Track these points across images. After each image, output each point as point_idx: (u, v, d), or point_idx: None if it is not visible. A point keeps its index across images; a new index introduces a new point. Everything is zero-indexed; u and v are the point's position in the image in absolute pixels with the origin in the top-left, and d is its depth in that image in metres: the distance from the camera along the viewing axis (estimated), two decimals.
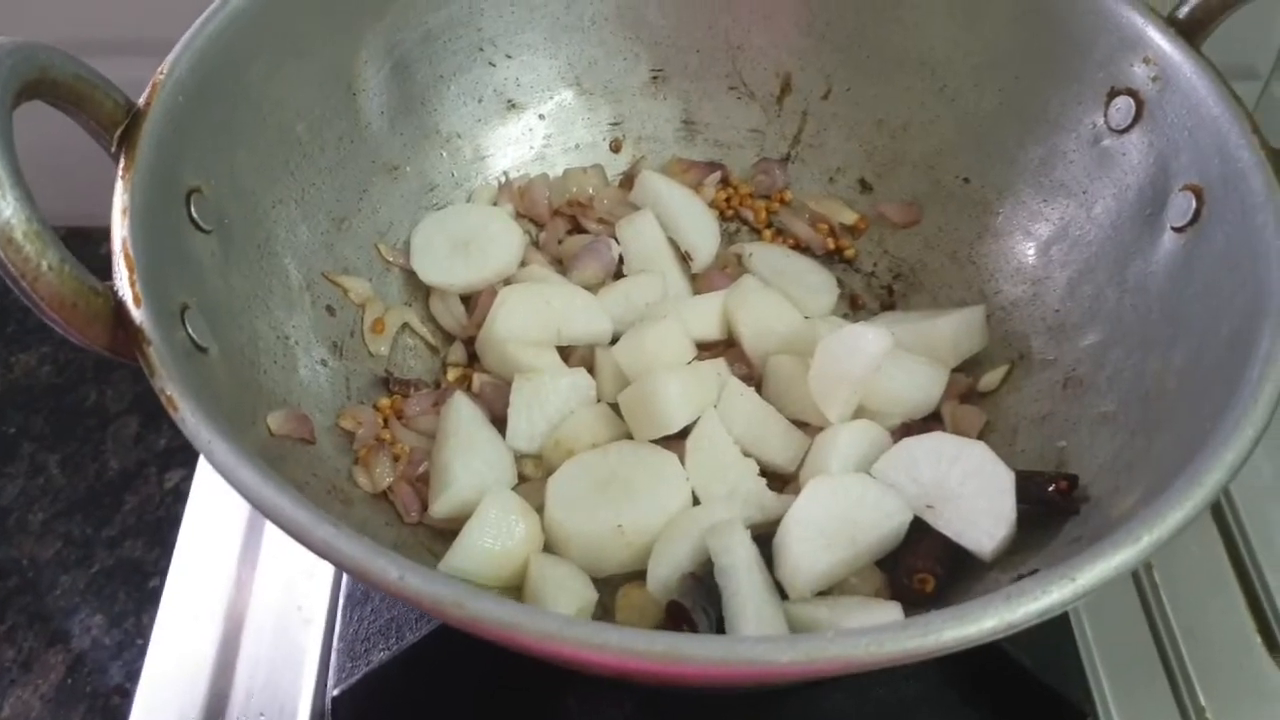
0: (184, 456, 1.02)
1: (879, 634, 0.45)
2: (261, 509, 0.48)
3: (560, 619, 0.45)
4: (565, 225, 0.85)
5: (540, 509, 0.68)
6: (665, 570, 0.64)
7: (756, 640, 0.45)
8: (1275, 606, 0.75)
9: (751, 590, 0.62)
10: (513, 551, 0.65)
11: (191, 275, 0.61)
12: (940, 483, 0.65)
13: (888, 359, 0.69)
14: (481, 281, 0.79)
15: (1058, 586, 0.46)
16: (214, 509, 0.81)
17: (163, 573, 0.82)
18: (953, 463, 0.65)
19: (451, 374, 0.78)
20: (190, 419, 0.50)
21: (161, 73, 0.61)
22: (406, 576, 0.45)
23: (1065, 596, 0.46)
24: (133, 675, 0.92)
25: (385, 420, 0.72)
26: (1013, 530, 0.63)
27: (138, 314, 0.52)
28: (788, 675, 0.45)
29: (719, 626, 0.61)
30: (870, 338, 0.68)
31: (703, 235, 0.84)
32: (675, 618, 0.61)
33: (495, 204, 0.84)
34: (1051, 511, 0.63)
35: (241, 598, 0.75)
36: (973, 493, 0.64)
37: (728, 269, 0.84)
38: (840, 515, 0.64)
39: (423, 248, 0.79)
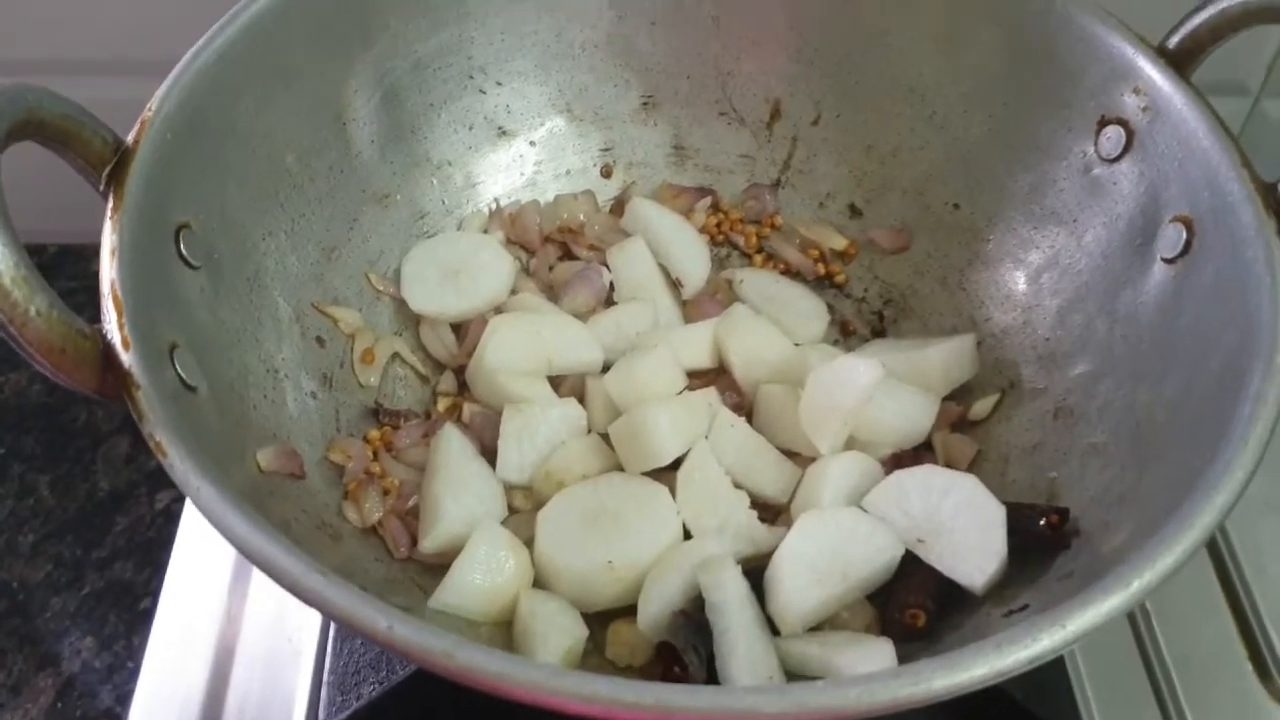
0: None
1: (869, 683, 0.45)
2: (250, 557, 0.48)
3: (548, 670, 0.45)
4: (556, 252, 0.85)
5: (530, 542, 0.68)
6: (656, 608, 0.64)
7: (746, 691, 0.45)
8: (1268, 634, 0.75)
9: (742, 627, 0.62)
10: (502, 587, 0.65)
11: (180, 313, 0.61)
12: (931, 516, 0.65)
13: (878, 389, 0.69)
14: (472, 310, 0.78)
15: (1048, 633, 0.47)
16: (204, 538, 0.81)
17: (154, 594, 0.81)
18: (943, 495, 0.65)
19: (442, 404, 0.78)
20: (179, 465, 0.49)
21: (150, 110, 0.61)
22: (395, 627, 0.45)
23: (1056, 643, 0.46)
24: (123, 699, 0.92)
25: (375, 453, 0.72)
26: (1004, 565, 0.62)
27: (126, 357, 0.52)
28: None
29: (710, 665, 0.61)
30: (861, 369, 0.68)
31: (693, 262, 0.84)
32: (666, 659, 0.61)
33: (486, 231, 0.84)
34: (1042, 545, 0.63)
35: (232, 629, 0.75)
36: (964, 526, 0.64)
37: (718, 295, 0.84)
38: (831, 550, 0.64)
39: (413, 276, 0.79)
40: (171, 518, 0.96)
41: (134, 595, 0.97)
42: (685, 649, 0.61)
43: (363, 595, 0.46)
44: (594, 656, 0.66)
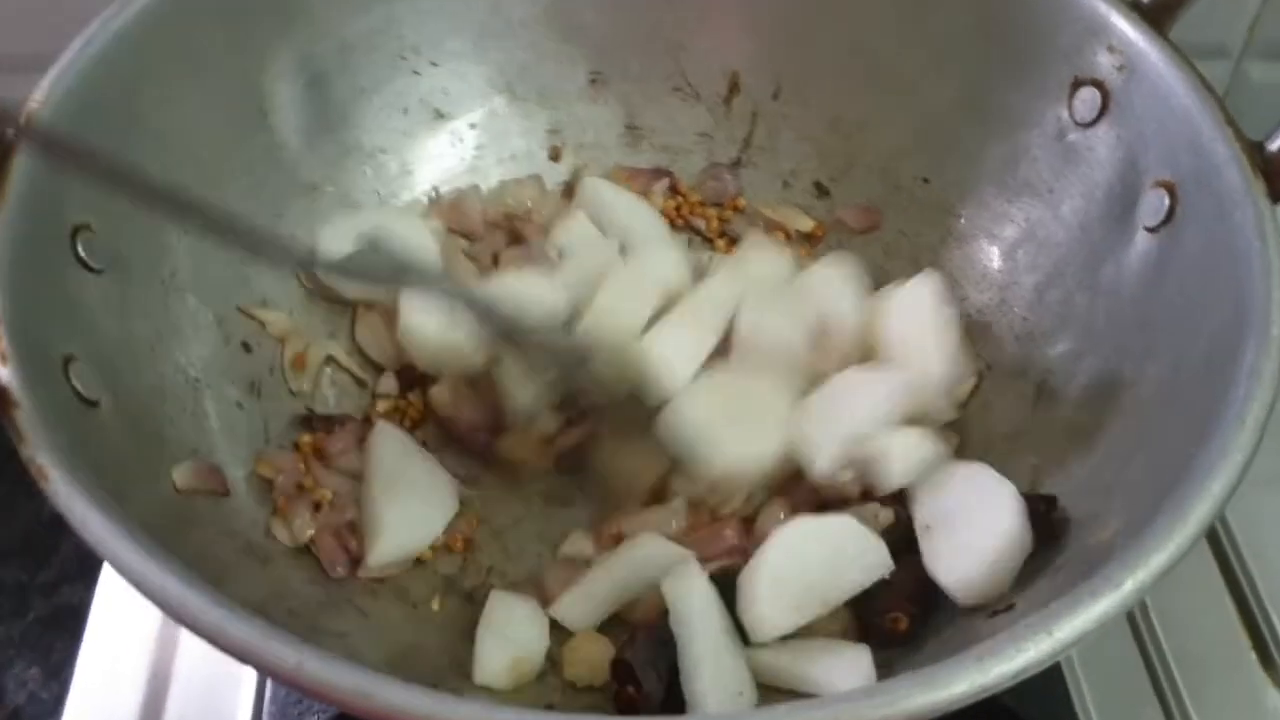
0: None
1: (836, 706, 0.41)
2: (140, 589, 0.43)
3: (478, 706, 0.40)
4: (503, 239, 0.80)
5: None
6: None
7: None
8: (1271, 622, 0.71)
9: (709, 639, 0.58)
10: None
11: (80, 322, 0.56)
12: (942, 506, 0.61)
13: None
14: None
15: (1033, 643, 0.43)
16: None
17: None
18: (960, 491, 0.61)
19: (382, 406, 0.72)
20: (63, 490, 0.45)
21: (36, 99, 0.56)
22: (305, 664, 0.40)
23: (1043, 653, 0.43)
24: None
25: (305, 462, 0.67)
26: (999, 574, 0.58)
27: (3, 373, 0.47)
28: None
29: (670, 684, 0.56)
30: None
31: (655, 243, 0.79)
32: (620, 677, 0.57)
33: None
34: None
35: (165, 657, 0.70)
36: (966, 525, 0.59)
37: None
38: (817, 566, 0.59)
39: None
40: None
41: (82, 621, 0.92)
42: (642, 668, 0.56)
43: (267, 628, 0.41)
44: (552, 677, 0.61)
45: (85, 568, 0.96)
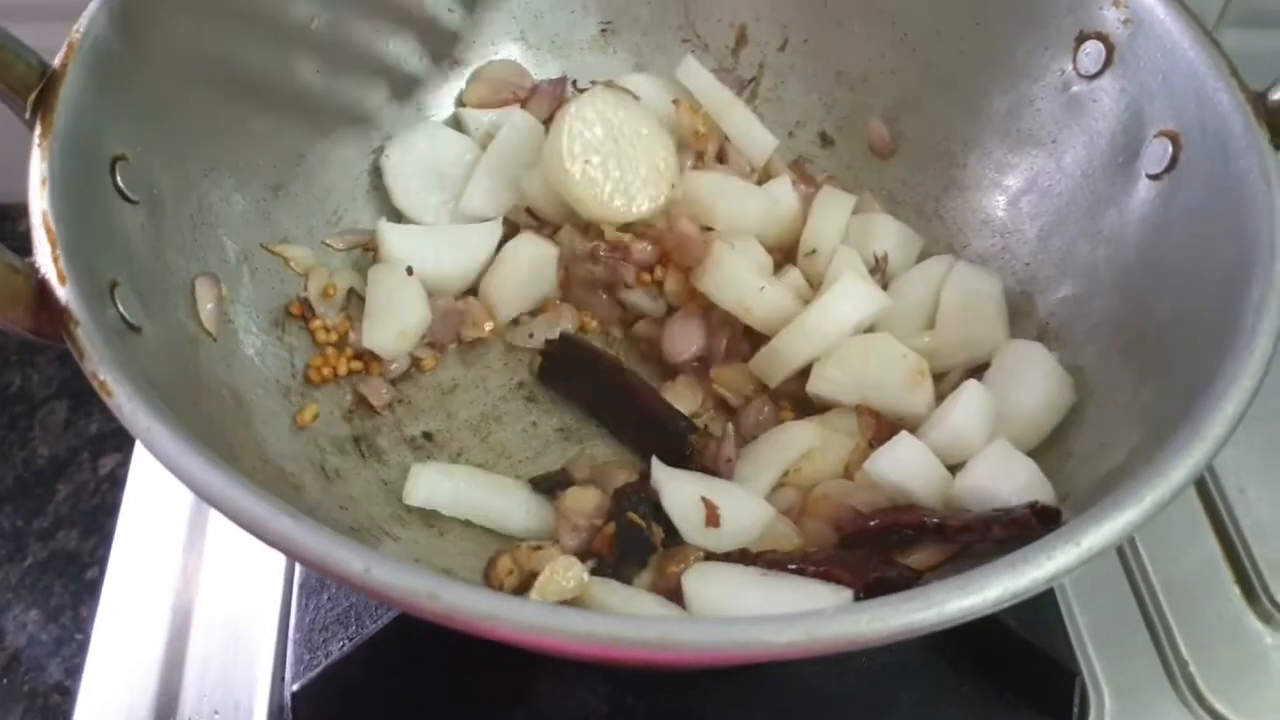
0: (118, 441, 0.98)
1: (875, 609, 0.43)
2: (210, 500, 0.44)
3: (543, 609, 0.42)
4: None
5: None
6: None
7: (750, 622, 0.42)
8: (1252, 556, 0.74)
9: None
10: None
11: (120, 250, 0.56)
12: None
13: None
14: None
15: (1063, 551, 0.45)
16: (154, 495, 0.76)
17: (100, 563, 0.78)
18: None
19: None
20: (126, 404, 0.46)
21: (78, 30, 0.56)
22: (373, 569, 0.42)
23: (1071, 560, 0.45)
24: (72, 671, 0.88)
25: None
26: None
27: (63, 292, 0.48)
28: (784, 656, 0.42)
29: None
30: None
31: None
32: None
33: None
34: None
35: (188, 588, 0.71)
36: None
37: None
38: None
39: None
40: (117, 483, 0.92)
41: (80, 564, 0.93)
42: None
43: (336, 536, 0.43)
44: None
45: (81, 513, 0.97)
